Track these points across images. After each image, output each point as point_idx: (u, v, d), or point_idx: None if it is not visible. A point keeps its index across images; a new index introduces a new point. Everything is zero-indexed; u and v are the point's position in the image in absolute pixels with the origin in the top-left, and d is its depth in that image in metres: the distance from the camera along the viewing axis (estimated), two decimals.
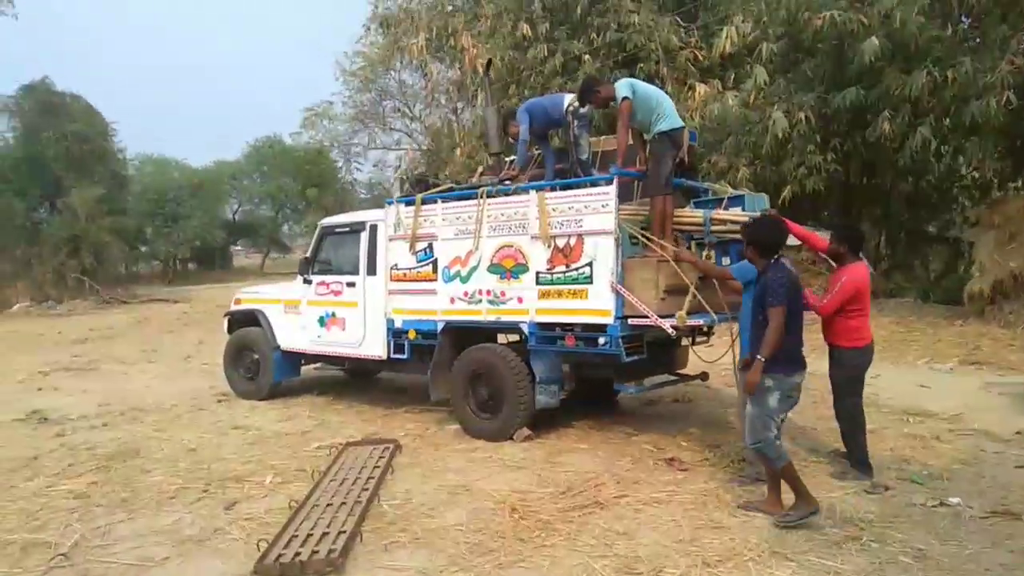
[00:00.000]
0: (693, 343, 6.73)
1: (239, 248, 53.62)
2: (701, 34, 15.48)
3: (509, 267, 6.40)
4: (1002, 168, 10.72)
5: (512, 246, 6.38)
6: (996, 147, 10.46)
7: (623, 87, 6.29)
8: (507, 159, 7.60)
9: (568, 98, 6.81)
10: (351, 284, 7.78)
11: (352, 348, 7.78)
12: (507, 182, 6.83)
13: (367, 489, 5.25)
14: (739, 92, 13.18)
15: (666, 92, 12.72)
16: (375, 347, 7.54)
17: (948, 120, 10.75)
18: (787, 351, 4.47)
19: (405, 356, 7.27)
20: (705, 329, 6.61)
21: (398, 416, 7.70)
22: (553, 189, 6.26)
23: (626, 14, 15.26)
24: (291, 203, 42.63)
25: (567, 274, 6.02)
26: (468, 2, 20.06)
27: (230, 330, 9.11)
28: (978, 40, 10.21)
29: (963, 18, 10.65)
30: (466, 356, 6.76)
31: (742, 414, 5.40)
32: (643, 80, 7.21)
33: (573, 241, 5.99)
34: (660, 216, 6.03)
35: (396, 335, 7.31)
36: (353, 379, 9.60)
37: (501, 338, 7.28)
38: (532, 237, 6.23)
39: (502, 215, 6.47)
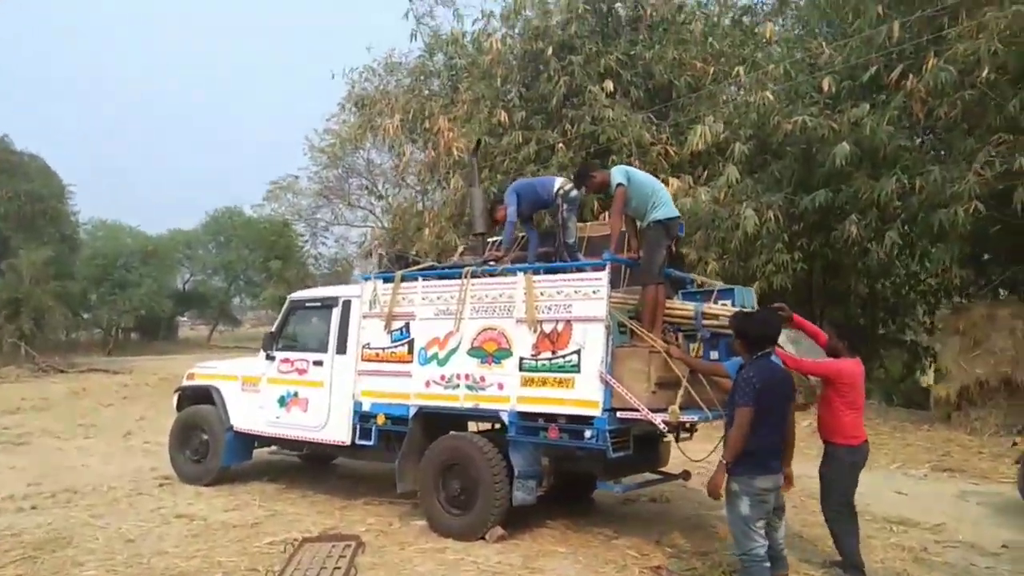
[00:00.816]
0: (677, 440, 6.43)
1: (185, 319, 52.15)
2: (672, 131, 15.84)
3: (491, 351, 6.08)
4: (966, 275, 10.96)
5: (495, 329, 6.08)
6: (961, 254, 10.70)
7: (618, 174, 6.22)
8: (490, 240, 7.40)
9: (559, 181, 6.70)
10: (318, 363, 7.35)
11: (314, 432, 7.27)
12: (491, 263, 6.60)
13: None
14: (710, 188, 13.37)
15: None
16: (339, 431, 7.05)
17: (915, 226, 10.99)
18: (753, 453, 4.21)
19: (371, 442, 6.80)
20: (688, 426, 6.33)
21: (357, 508, 7.15)
22: (540, 272, 6.03)
23: (600, 108, 15.54)
24: (247, 275, 41.81)
25: (553, 361, 5.72)
26: (445, 88, 20.38)
27: (179, 407, 8.51)
28: (943, 152, 10.57)
29: (928, 132, 11.05)
30: (439, 445, 6.33)
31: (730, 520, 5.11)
32: None
33: (561, 327, 5.72)
34: (651, 305, 5.83)
35: (363, 419, 6.85)
36: (307, 465, 9.00)
37: (471, 427, 6.93)
38: (517, 321, 5.95)
39: (486, 296, 6.20)
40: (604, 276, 5.58)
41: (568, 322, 5.68)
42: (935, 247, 10.80)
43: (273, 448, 8.12)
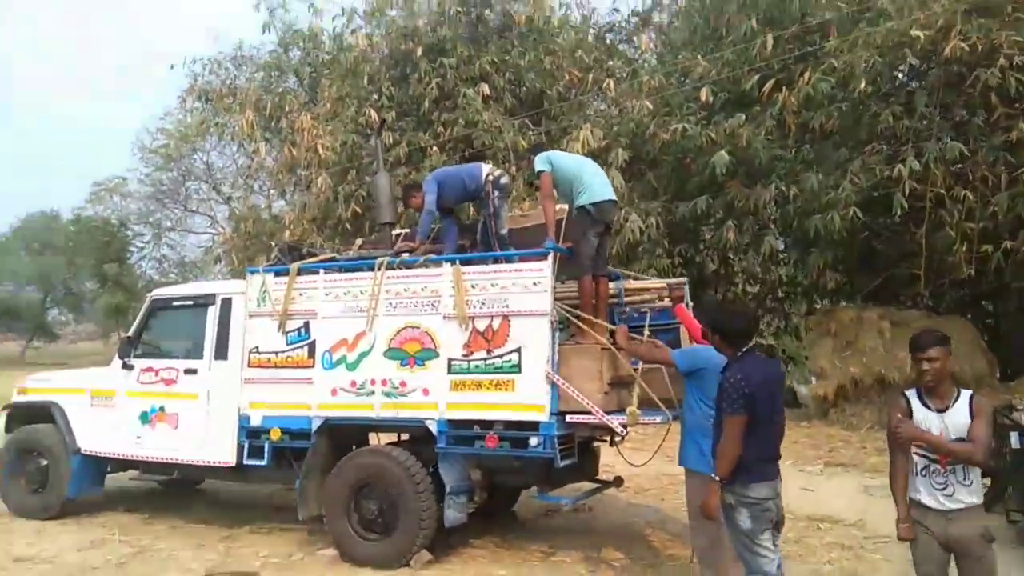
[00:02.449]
0: (611, 444, 6.01)
1: None
2: (546, 139, 15.67)
3: (413, 352, 5.36)
4: (838, 279, 11.53)
5: (418, 327, 5.38)
6: (834, 259, 11.22)
7: (540, 161, 5.80)
8: (395, 232, 6.67)
9: (486, 168, 6.17)
10: (191, 371, 6.27)
11: (188, 452, 6.17)
12: (405, 255, 5.90)
13: None
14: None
15: (514, 192, 12.44)
16: (221, 450, 6.01)
17: (790, 233, 11.43)
18: (745, 460, 3.73)
19: (263, 462, 5.83)
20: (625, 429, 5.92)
21: (244, 537, 6.15)
22: (471, 263, 5.41)
23: (474, 113, 15.13)
24: (67, 285, 37.34)
25: (489, 362, 5.11)
26: (303, 85, 19.23)
27: (8, 428, 7.03)
28: (816, 162, 11.06)
29: (802, 143, 11.55)
30: (351, 461, 5.51)
31: (692, 529, 4.73)
32: None
33: (497, 323, 5.12)
34: (588, 298, 5.40)
35: (252, 435, 5.87)
36: (170, 491, 7.73)
37: (372, 439, 6.19)
38: (444, 317, 5.28)
39: (405, 291, 5.48)
40: (547, 266, 5.06)
41: (505, 317, 5.10)
42: (809, 252, 11.25)
43: (133, 473, 6.86)
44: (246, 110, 17.89)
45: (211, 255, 20.95)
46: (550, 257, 5.07)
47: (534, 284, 5.05)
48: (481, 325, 5.16)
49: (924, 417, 3.45)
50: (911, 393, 3.55)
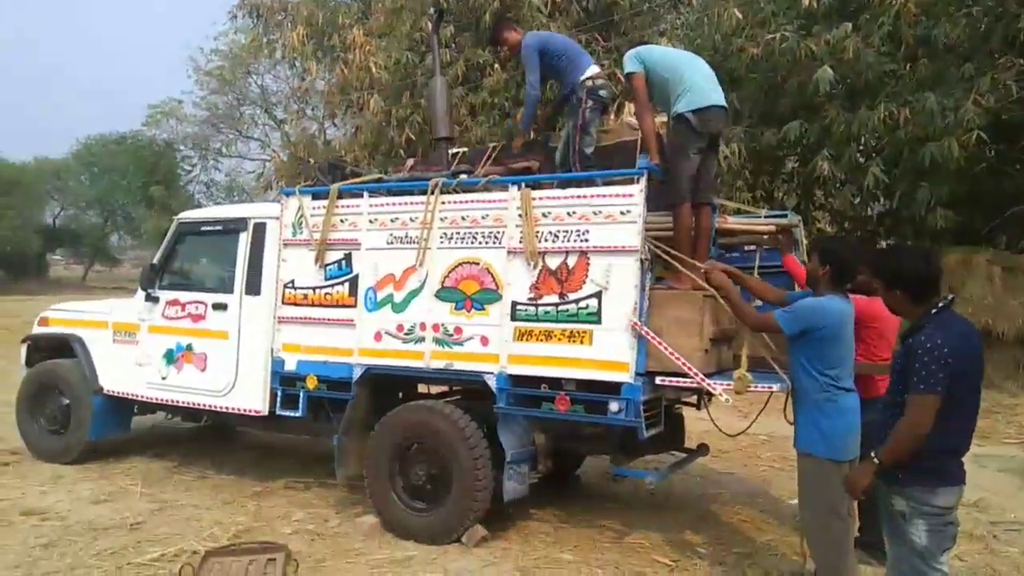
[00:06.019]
0: (698, 407, 5.08)
1: (58, 257, 47.17)
2: (616, 56, 14.32)
3: (470, 293, 4.48)
4: (950, 217, 10.09)
5: (477, 263, 4.47)
6: (953, 196, 9.78)
7: (630, 60, 4.73)
8: (454, 150, 5.70)
9: (591, 69, 5.02)
10: (220, 306, 5.53)
11: (215, 397, 5.48)
12: (463, 176, 4.94)
13: None
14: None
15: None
16: (251, 397, 5.31)
17: (898, 163, 10.00)
18: (933, 456, 2.76)
19: (297, 412, 5.10)
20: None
21: (277, 494, 5.50)
22: (543, 185, 4.45)
23: (538, 25, 13.82)
24: (124, 208, 37.68)
25: (562, 308, 4.19)
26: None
27: (30, 362, 6.46)
28: (932, 81, 9.55)
29: (916, 58, 9.99)
30: (395, 418, 4.72)
31: (803, 521, 3.83)
32: None
33: (573, 261, 4.18)
34: (686, 232, 4.36)
35: (286, 382, 5.13)
36: (204, 434, 7.13)
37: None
38: (509, 252, 4.36)
39: (463, 219, 4.56)
40: (638, 191, 4.06)
41: (583, 254, 4.15)
42: (919, 186, 9.82)
43: (160, 416, 6.27)
44: (297, 26, 16.96)
45: (262, 182, 20.32)
46: (643, 180, 4.06)
47: (621, 214, 4.07)
48: (553, 263, 4.23)
49: None
50: None
